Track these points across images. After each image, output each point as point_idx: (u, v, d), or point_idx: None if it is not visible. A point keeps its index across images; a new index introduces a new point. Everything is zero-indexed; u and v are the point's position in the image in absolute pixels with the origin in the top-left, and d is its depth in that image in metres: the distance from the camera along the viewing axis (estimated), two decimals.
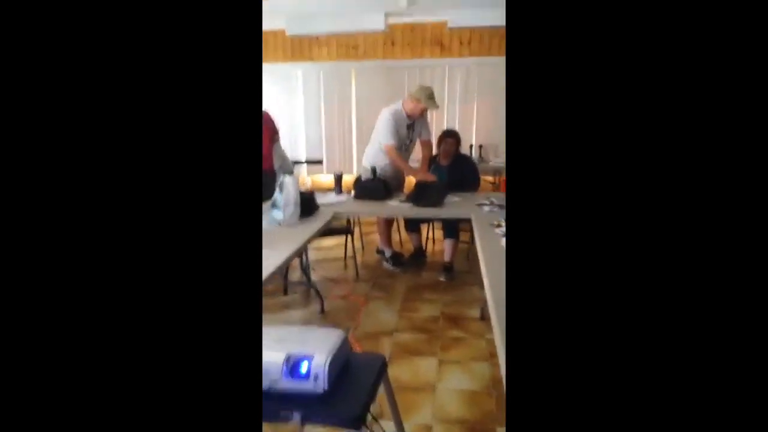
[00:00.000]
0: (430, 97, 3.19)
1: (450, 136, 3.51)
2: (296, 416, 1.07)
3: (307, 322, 2.78)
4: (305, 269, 3.25)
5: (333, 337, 1.20)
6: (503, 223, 2.29)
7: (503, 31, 4.77)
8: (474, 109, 5.05)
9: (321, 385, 1.10)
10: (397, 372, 2.19)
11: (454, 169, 3.48)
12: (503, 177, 4.61)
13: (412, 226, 3.64)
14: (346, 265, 3.67)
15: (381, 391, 1.29)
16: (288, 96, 5.45)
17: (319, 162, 5.33)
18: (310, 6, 4.15)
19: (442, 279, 3.32)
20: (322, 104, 5.35)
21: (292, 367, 1.10)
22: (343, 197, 3.13)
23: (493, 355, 2.28)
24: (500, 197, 2.99)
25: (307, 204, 2.62)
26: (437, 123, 4.41)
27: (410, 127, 3.30)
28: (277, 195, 2.39)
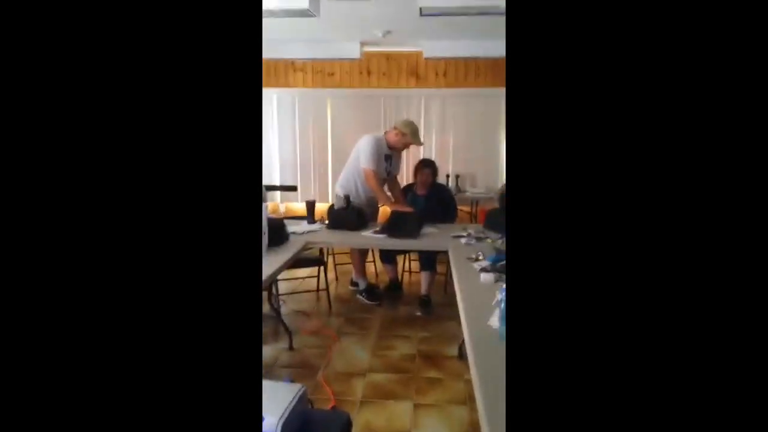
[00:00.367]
0: (416, 134, 3.16)
1: (427, 167, 3.44)
2: None
3: (274, 359, 2.60)
4: (274, 302, 3.08)
5: (288, 394, 1.07)
6: (481, 257, 2.20)
7: (479, 63, 4.83)
8: (450, 139, 5.03)
9: None
10: (369, 416, 2.04)
11: (431, 199, 3.41)
12: (482, 207, 4.57)
13: (388, 257, 3.53)
14: (318, 298, 3.52)
15: None
16: (263, 120, 5.36)
17: (294, 188, 5.20)
18: (287, 32, 4.11)
19: (418, 314, 3.20)
20: (297, 130, 5.27)
21: None
22: (315, 226, 3.00)
23: (471, 398, 2.15)
24: (477, 228, 2.92)
25: (277, 232, 2.49)
26: (413, 152, 4.33)
27: (388, 158, 3.23)
28: None
